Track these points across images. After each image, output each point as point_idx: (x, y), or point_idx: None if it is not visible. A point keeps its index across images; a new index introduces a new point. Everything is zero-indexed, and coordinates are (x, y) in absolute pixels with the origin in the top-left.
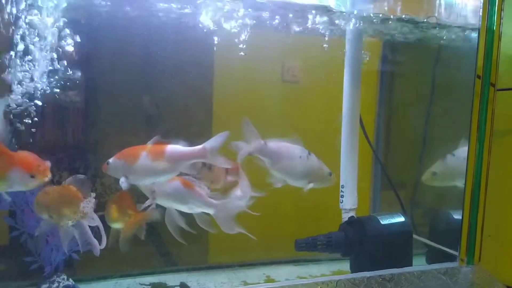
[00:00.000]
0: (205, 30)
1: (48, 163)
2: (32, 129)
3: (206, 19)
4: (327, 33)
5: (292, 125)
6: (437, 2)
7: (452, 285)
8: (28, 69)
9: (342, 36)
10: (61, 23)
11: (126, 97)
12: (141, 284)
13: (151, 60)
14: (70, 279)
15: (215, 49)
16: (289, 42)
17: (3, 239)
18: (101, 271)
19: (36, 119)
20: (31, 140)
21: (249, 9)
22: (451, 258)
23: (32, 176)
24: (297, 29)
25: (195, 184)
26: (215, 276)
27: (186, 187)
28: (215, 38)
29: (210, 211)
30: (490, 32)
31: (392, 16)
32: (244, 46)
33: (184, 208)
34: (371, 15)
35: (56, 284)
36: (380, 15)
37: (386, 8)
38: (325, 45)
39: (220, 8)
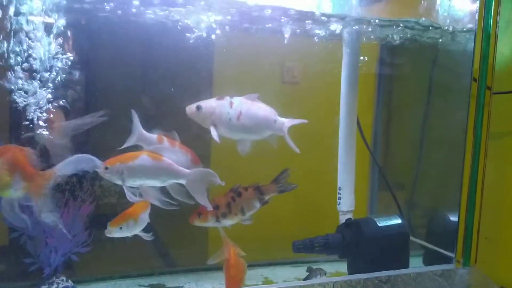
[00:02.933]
0: (205, 33)
1: None
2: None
3: (206, 22)
4: (326, 36)
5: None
6: (434, 5)
7: (448, 287)
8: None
9: (341, 39)
10: (62, 25)
11: (126, 98)
12: (140, 286)
13: (151, 63)
14: (69, 281)
15: (214, 51)
16: (289, 44)
17: (2, 240)
18: (100, 273)
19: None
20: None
21: (249, 13)
22: (448, 260)
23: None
24: (297, 32)
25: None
26: (214, 278)
27: (154, 160)
28: (215, 40)
29: (183, 180)
30: (486, 35)
31: (389, 19)
32: (244, 47)
33: (157, 183)
34: (368, 18)
35: (55, 285)
36: (377, 19)
37: (382, 11)
38: (324, 47)
39: (220, 11)
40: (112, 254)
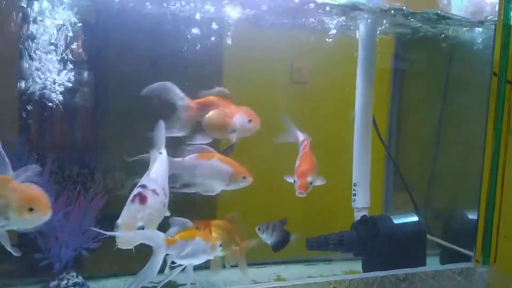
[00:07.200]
0: (214, 31)
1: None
2: (43, 128)
3: (215, 19)
4: (336, 32)
5: (302, 125)
6: None
7: (467, 285)
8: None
9: (352, 35)
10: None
11: (135, 96)
12: (151, 282)
13: (160, 60)
14: (79, 276)
15: (224, 49)
16: (298, 43)
17: (12, 236)
18: (111, 269)
19: (45, 118)
20: (41, 139)
21: (258, 9)
22: (465, 258)
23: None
24: (307, 27)
25: None
26: (225, 275)
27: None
28: (224, 39)
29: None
30: (506, 28)
31: (404, 10)
32: (253, 46)
33: None
34: (385, 10)
35: (65, 281)
36: (392, 9)
37: (398, 3)
38: (334, 45)
39: (230, 8)
40: (123, 250)
